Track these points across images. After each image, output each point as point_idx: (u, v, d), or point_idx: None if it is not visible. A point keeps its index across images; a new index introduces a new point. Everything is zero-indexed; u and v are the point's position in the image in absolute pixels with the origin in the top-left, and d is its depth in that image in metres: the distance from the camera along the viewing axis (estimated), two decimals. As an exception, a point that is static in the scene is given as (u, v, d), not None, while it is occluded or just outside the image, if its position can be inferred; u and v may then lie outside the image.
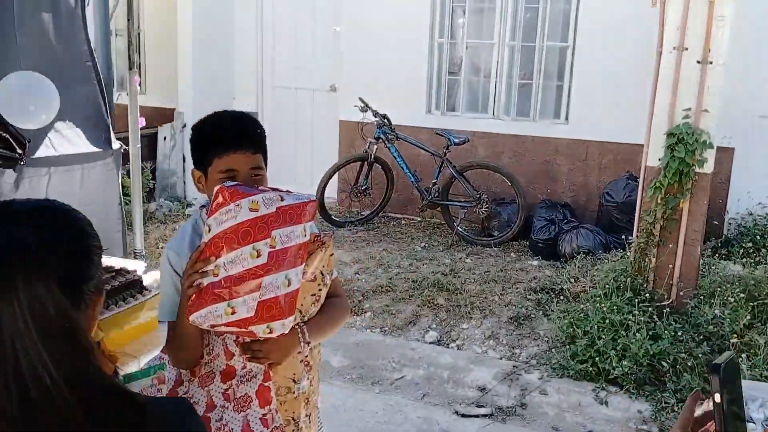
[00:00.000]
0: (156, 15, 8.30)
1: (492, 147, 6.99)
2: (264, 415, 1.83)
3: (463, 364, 4.45)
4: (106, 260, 3.00)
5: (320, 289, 1.93)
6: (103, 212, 3.95)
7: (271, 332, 1.71)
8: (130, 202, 4.09)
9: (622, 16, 6.23)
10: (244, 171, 1.84)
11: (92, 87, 3.60)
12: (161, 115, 8.10)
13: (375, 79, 7.19)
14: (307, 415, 1.96)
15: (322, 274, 1.92)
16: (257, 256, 1.67)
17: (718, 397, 1.06)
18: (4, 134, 3.05)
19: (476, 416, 3.95)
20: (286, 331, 1.75)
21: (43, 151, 3.43)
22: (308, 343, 1.86)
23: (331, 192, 7.49)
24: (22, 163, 3.25)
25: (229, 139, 1.85)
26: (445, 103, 7.23)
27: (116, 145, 3.79)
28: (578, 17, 6.55)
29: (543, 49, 6.75)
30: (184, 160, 7.97)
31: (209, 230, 1.70)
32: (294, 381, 1.89)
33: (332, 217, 7.06)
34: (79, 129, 3.58)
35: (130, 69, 3.73)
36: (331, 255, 1.96)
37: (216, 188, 1.72)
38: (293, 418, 1.91)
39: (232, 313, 1.66)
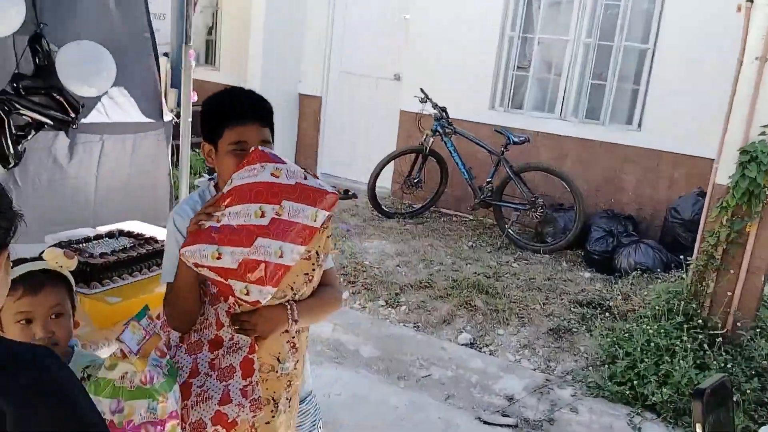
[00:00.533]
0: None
1: (555, 149, 6.97)
2: (245, 386, 1.93)
3: (493, 371, 4.51)
4: (138, 226, 3.21)
5: (313, 269, 2.00)
6: (153, 182, 4.19)
7: (248, 294, 1.78)
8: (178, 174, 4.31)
9: (708, 20, 6.09)
10: (253, 143, 1.94)
11: (148, 59, 3.82)
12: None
13: (439, 70, 7.26)
14: (287, 398, 2.06)
15: (317, 254, 1.99)
16: (260, 216, 1.78)
17: (699, 429, 0.99)
18: (59, 97, 3.28)
19: (500, 425, 4.01)
20: (263, 301, 1.82)
21: (95, 117, 3.67)
22: (296, 321, 1.95)
23: (385, 182, 7.63)
24: (75, 127, 3.48)
25: (241, 111, 1.96)
26: (510, 99, 7.24)
27: (168, 117, 4.01)
28: (662, 18, 6.43)
29: (620, 50, 6.68)
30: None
31: (230, 183, 1.85)
32: (278, 360, 2.00)
33: (382, 207, 7.19)
34: (132, 99, 3.80)
35: (186, 44, 3.92)
36: (328, 237, 2.03)
37: (252, 148, 1.87)
38: (273, 398, 2.00)
39: (217, 258, 1.77)
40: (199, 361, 1.97)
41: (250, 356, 1.94)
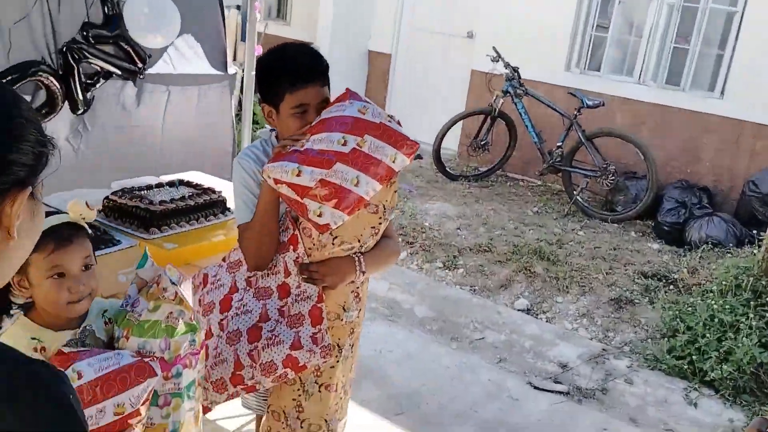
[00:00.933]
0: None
1: (632, 115, 6.85)
2: (314, 333, 2.06)
3: (548, 338, 4.57)
4: (199, 177, 3.38)
5: (380, 223, 2.10)
6: (216, 134, 4.37)
7: (320, 216, 1.90)
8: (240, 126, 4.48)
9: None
10: (314, 104, 2.02)
11: (214, 12, 3.96)
12: (300, 47, 8.53)
13: (514, 28, 7.20)
14: (350, 345, 2.20)
15: (384, 208, 2.08)
16: (343, 144, 1.91)
17: None
18: (126, 47, 3.47)
19: (550, 391, 4.09)
20: (333, 225, 1.93)
21: (162, 68, 3.85)
22: (363, 272, 2.07)
23: (452, 144, 7.66)
24: (141, 77, 3.67)
25: (301, 73, 2.01)
26: (587, 61, 7.14)
27: (232, 70, 4.16)
28: (754, -21, 6.21)
29: (706, 12, 6.48)
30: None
31: (318, 118, 1.98)
32: (344, 309, 2.13)
33: (447, 169, 7.24)
34: (198, 51, 3.96)
35: (250, -5, 4.05)
36: (395, 192, 2.12)
37: (347, 88, 2.00)
38: (338, 344, 2.15)
39: (297, 176, 1.89)
40: (269, 307, 2.10)
41: (319, 305, 2.06)
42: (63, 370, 1.65)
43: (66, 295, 1.73)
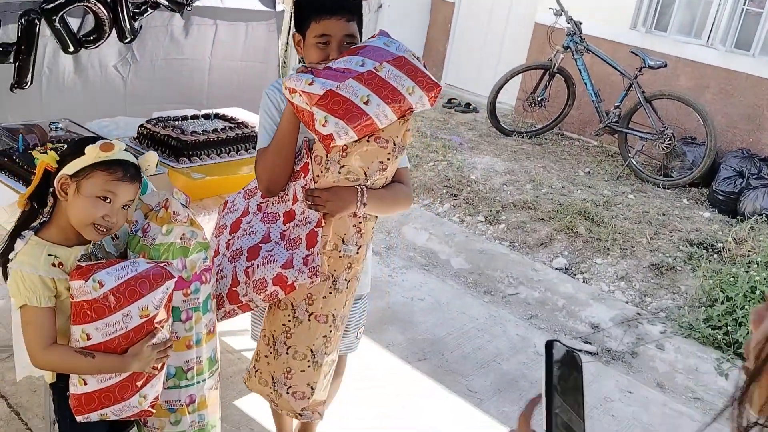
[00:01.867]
0: None
1: (696, 78, 6.57)
2: (307, 255, 2.08)
3: (582, 298, 4.50)
4: (237, 112, 3.40)
5: (388, 159, 2.07)
6: (263, 71, 4.38)
7: (325, 125, 1.90)
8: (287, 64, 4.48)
9: None
10: (338, 36, 2.04)
11: (265, -53, 3.93)
12: (361, -11, 8.44)
13: (580, -19, 6.94)
14: (346, 279, 2.19)
15: (394, 144, 2.06)
16: (360, 65, 1.93)
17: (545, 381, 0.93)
18: (175, -21, 3.48)
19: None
20: (337, 138, 1.92)
21: (210, 1, 3.85)
22: (365, 204, 2.06)
23: (510, 99, 7.51)
24: (189, 9, 3.69)
25: (327, 5, 2.03)
26: (654, 20, 6.84)
27: (280, 7, 4.14)
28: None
29: (785, -25, 6.12)
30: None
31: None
32: (342, 241, 2.13)
33: (501, 123, 7.11)
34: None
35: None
36: (408, 130, 2.09)
37: (379, 29, 2.03)
38: (332, 276, 2.15)
39: (309, 84, 1.91)
40: (272, 231, 2.14)
41: (316, 229, 2.08)
42: (84, 281, 1.73)
43: (99, 219, 1.79)
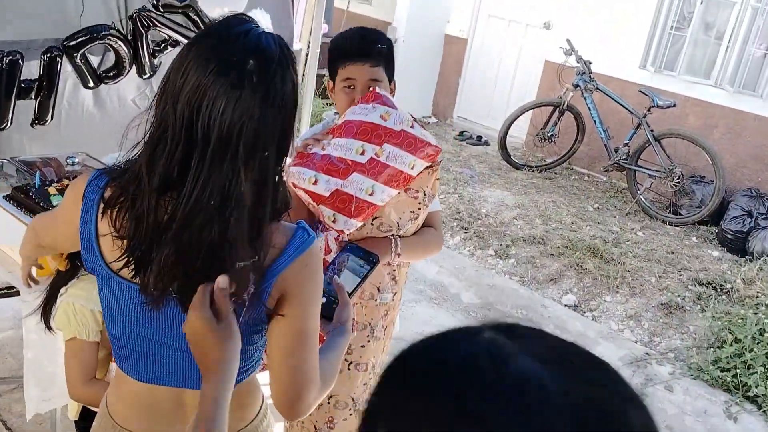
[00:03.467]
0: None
1: (705, 118, 6.51)
2: None
3: (592, 336, 4.41)
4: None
5: (419, 208, 2.08)
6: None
7: (334, 222, 1.91)
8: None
9: None
10: (362, 81, 2.07)
11: (284, -14, 3.92)
12: (378, 27, 8.43)
13: (591, 21, 6.92)
14: (383, 326, 2.17)
15: (424, 194, 2.06)
16: (360, 154, 1.91)
17: None
18: (194, 17, 3.46)
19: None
20: (346, 231, 1.94)
21: (229, 39, 3.84)
22: (399, 254, 2.04)
23: (520, 133, 7.47)
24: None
25: (352, 50, 2.08)
26: (663, 60, 6.80)
27: (297, 46, 4.12)
28: None
29: (793, 18, 6.08)
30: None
31: (343, 116, 2.00)
32: (378, 290, 2.10)
33: (512, 157, 7.06)
34: (265, 25, 3.93)
35: (319, -27, 3.98)
36: (437, 179, 2.10)
37: (370, 88, 2.01)
38: (370, 324, 2.12)
39: (313, 184, 1.90)
40: None
41: None
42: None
43: None
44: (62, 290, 1.78)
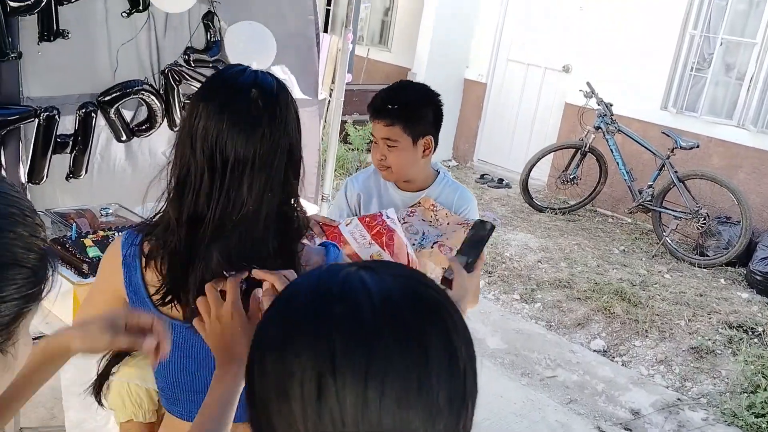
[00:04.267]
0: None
1: (729, 158, 6.49)
2: None
3: (622, 382, 4.34)
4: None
5: None
6: (304, 156, 4.40)
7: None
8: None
9: None
10: (378, 139, 2.18)
11: (310, 40, 4.00)
12: (398, 73, 8.58)
13: (611, 64, 6.97)
14: None
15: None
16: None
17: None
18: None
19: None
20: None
21: (257, 91, 3.91)
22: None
23: (542, 175, 7.48)
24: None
25: (375, 108, 2.16)
26: (684, 101, 6.81)
27: (322, 95, 4.19)
28: None
29: (814, 58, 6.07)
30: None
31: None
32: None
33: (534, 200, 7.06)
34: (292, 76, 4.00)
35: (346, 27, 4.07)
36: None
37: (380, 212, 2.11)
38: None
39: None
40: None
41: None
42: None
43: None
44: (114, 368, 1.72)
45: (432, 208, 2.20)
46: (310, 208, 3.37)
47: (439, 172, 2.39)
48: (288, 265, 1.26)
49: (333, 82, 6.56)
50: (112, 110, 3.10)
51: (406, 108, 2.14)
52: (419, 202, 2.24)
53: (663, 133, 6.35)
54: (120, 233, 2.07)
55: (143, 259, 1.33)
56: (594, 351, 4.64)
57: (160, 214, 1.33)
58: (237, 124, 1.25)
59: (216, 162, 1.25)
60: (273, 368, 0.69)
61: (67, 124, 3.04)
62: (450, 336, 0.71)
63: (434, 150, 2.26)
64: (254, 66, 3.52)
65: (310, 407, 0.65)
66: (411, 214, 2.21)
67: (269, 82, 1.32)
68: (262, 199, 1.27)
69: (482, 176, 8.01)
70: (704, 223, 6.12)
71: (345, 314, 0.68)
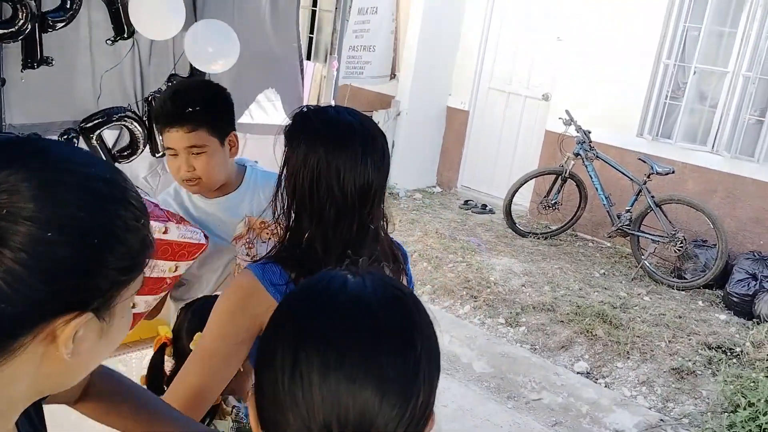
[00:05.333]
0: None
1: (704, 183, 6.48)
2: None
3: (606, 403, 4.26)
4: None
5: None
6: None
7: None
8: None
9: None
10: (180, 150, 1.89)
11: (294, 67, 3.94)
12: (381, 101, 8.56)
13: (588, 93, 6.98)
14: None
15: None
16: None
17: None
18: (209, 98, 3.47)
19: None
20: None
21: (241, 118, 3.84)
22: None
23: (524, 201, 7.45)
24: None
25: (164, 116, 1.88)
26: (659, 128, 6.82)
27: (307, 121, 4.12)
28: (835, 55, 5.82)
29: (784, 85, 6.10)
30: (392, 145, 8.31)
31: None
32: None
33: (517, 225, 7.01)
34: (276, 103, 3.94)
35: (331, 54, 4.02)
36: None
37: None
38: None
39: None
40: None
41: None
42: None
43: None
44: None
45: (261, 225, 1.95)
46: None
47: (246, 167, 2.16)
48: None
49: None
50: (94, 136, 3.01)
51: (207, 107, 1.90)
52: (246, 229, 2.03)
53: (639, 159, 6.35)
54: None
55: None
56: (578, 373, 4.57)
57: (294, 245, 1.42)
58: (353, 158, 1.36)
59: (349, 195, 1.36)
60: (266, 342, 0.85)
61: (49, 151, 2.95)
62: (408, 326, 0.84)
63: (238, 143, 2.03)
64: (218, 66, 3.35)
65: (286, 378, 0.78)
66: (250, 246, 2.04)
67: (359, 119, 1.44)
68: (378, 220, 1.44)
69: (466, 202, 7.96)
70: (681, 247, 6.09)
71: (320, 306, 0.83)
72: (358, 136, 1.39)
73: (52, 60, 2.83)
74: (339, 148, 1.36)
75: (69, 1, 2.73)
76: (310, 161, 1.35)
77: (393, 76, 8.01)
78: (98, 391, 1.19)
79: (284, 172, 1.41)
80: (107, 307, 0.79)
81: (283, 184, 1.41)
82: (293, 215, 1.41)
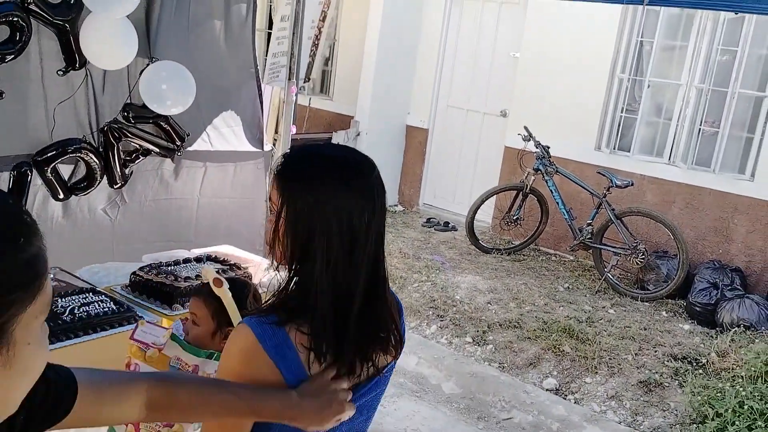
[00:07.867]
0: (349, 29, 8.79)
1: (662, 195, 6.64)
2: None
3: (576, 420, 4.30)
4: (230, 251, 3.29)
5: None
6: (250, 208, 4.30)
7: None
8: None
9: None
10: None
11: (252, 92, 3.94)
12: (341, 121, 8.59)
13: (546, 108, 7.11)
14: None
15: None
16: None
17: None
18: (166, 126, 3.44)
19: None
20: None
21: (200, 146, 3.81)
22: None
23: (486, 217, 7.52)
24: (179, 154, 3.64)
25: None
26: (616, 141, 6.97)
27: (267, 147, 4.12)
28: (782, 66, 6.04)
29: (735, 96, 6.29)
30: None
31: None
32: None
33: (480, 241, 7.07)
34: (236, 128, 3.93)
35: (289, 79, 4.03)
36: None
37: None
38: None
39: None
40: None
41: None
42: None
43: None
44: None
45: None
46: (259, 261, 3.27)
47: None
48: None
49: (276, 132, 6.51)
50: (49, 169, 2.96)
51: None
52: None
53: (598, 172, 6.48)
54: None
55: (310, 354, 1.31)
56: (547, 390, 4.61)
57: (291, 299, 1.35)
58: (366, 199, 1.38)
59: (353, 235, 1.34)
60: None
61: (1, 184, 2.89)
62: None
63: None
64: (170, 107, 3.38)
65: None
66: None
67: (363, 157, 1.45)
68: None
69: (428, 220, 8.01)
70: (643, 258, 6.22)
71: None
72: (360, 175, 1.41)
73: (2, 92, 2.78)
74: (343, 188, 1.36)
75: (18, 33, 2.69)
76: (309, 204, 1.30)
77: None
78: (154, 399, 1.24)
79: (282, 217, 1.32)
80: (3, 334, 0.73)
81: (280, 231, 1.32)
82: (295, 262, 1.34)
